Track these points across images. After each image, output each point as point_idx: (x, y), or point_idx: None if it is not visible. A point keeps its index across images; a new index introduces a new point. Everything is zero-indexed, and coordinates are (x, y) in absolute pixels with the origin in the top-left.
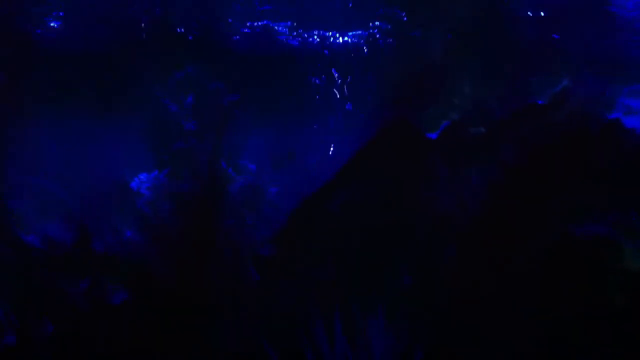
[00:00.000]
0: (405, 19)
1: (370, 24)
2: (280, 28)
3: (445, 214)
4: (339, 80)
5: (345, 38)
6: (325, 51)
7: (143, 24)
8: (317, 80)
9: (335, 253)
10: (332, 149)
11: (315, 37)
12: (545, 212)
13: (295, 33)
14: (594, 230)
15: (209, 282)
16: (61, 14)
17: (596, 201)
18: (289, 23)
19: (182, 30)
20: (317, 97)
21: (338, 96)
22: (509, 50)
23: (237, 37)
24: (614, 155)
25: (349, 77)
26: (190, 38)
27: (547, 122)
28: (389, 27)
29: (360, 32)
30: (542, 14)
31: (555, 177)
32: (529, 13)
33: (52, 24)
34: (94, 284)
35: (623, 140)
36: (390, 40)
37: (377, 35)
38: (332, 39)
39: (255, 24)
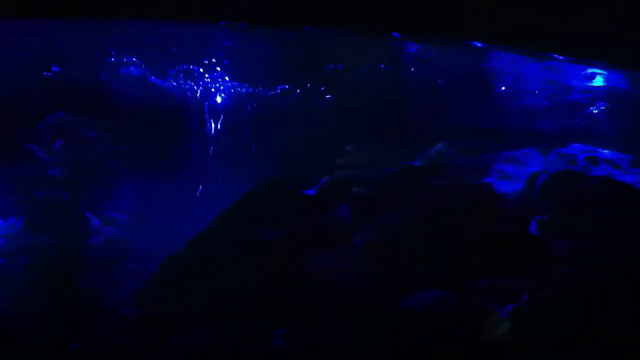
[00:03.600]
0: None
1: (252, 82)
2: (158, 79)
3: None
4: (218, 134)
5: (225, 94)
6: (205, 103)
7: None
8: (194, 133)
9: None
10: (206, 201)
11: (196, 89)
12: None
13: (175, 84)
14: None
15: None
16: None
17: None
18: (169, 73)
19: (57, 73)
20: (193, 149)
21: (215, 149)
22: (393, 118)
23: (114, 84)
24: (486, 220)
25: (230, 131)
26: (63, 82)
27: (426, 184)
28: (272, 87)
29: (243, 89)
30: (426, 85)
31: (427, 243)
32: (417, 84)
33: None
34: None
35: (495, 204)
36: (273, 98)
37: (261, 93)
38: (212, 92)
39: (133, 73)
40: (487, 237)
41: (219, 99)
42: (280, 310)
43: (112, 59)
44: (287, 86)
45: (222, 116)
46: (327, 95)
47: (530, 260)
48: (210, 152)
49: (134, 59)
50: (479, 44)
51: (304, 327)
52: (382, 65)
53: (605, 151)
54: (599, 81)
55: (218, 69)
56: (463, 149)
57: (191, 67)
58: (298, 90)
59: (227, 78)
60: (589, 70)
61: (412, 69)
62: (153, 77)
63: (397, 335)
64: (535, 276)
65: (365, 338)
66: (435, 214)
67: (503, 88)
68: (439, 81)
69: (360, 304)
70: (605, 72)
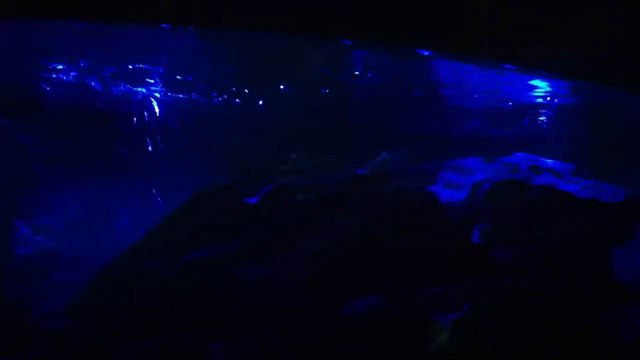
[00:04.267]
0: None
1: (193, 86)
2: (94, 82)
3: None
4: (156, 140)
5: (164, 98)
6: (144, 108)
7: None
8: (130, 138)
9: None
10: (143, 209)
11: (133, 92)
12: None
13: (112, 87)
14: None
15: None
16: None
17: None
18: (108, 80)
19: None
20: (130, 155)
21: (153, 155)
22: (338, 125)
23: (49, 87)
24: (429, 228)
25: (168, 137)
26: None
27: (370, 192)
28: (213, 91)
29: (183, 94)
30: (372, 92)
31: (370, 251)
32: (362, 91)
33: None
34: None
35: (438, 212)
36: (215, 103)
37: (200, 99)
38: (151, 96)
39: (69, 76)
40: (429, 245)
41: (156, 104)
42: (218, 321)
43: (46, 61)
44: (230, 90)
45: (160, 121)
46: (271, 101)
47: (472, 268)
48: (148, 158)
49: (69, 61)
50: (425, 52)
51: (240, 338)
52: (330, 73)
53: (548, 160)
54: (542, 90)
55: (157, 72)
56: (408, 156)
57: (129, 68)
58: (240, 96)
59: (166, 81)
60: (532, 82)
61: (358, 76)
62: (89, 80)
63: (335, 344)
64: (477, 285)
65: (302, 347)
66: (379, 221)
67: (448, 96)
68: (385, 89)
69: (300, 312)
70: (548, 82)
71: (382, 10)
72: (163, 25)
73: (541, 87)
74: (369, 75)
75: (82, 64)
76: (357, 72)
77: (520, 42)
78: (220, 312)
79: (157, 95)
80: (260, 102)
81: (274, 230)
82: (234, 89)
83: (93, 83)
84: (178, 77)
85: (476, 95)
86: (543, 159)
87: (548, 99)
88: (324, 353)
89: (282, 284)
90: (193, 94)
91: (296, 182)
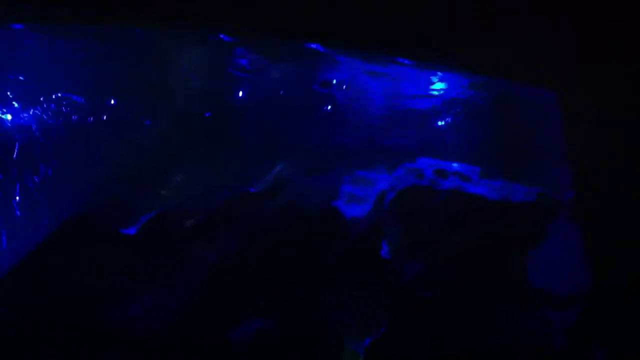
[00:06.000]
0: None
1: (59, 100)
2: None
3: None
4: (19, 163)
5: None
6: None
7: None
8: None
9: None
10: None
11: None
12: None
13: None
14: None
15: None
16: None
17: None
18: None
19: None
20: None
21: (16, 179)
22: (225, 139)
23: None
24: (332, 247)
25: (33, 159)
26: None
27: (265, 210)
28: (84, 103)
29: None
30: (262, 101)
31: (267, 272)
32: (251, 100)
33: None
34: None
35: (342, 229)
36: (84, 117)
37: (66, 110)
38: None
39: None
40: (333, 264)
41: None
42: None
43: None
44: (101, 101)
45: (22, 142)
46: (148, 114)
47: (382, 284)
48: (11, 186)
49: None
50: (320, 48)
51: None
52: (215, 82)
53: (454, 164)
54: (443, 92)
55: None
56: (305, 170)
57: None
58: (106, 110)
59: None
60: (433, 84)
61: (245, 83)
62: None
63: None
64: (389, 305)
65: None
66: (275, 241)
67: (343, 102)
68: (274, 97)
69: (189, 340)
70: (446, 84)
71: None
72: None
73: (441, 87)
74: (257, 81)
75: None
76: (243, 75)
77: (421, 34)
78: (108, 346)
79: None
80: (131, 117)
81: (155, 262)
82: (105, 97)
83: None
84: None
85: (376, 101)
86: (448, 163)
87: (450, 101)
88: None
89: (159, 320)
90: (60, 105)
91: (181, 207)
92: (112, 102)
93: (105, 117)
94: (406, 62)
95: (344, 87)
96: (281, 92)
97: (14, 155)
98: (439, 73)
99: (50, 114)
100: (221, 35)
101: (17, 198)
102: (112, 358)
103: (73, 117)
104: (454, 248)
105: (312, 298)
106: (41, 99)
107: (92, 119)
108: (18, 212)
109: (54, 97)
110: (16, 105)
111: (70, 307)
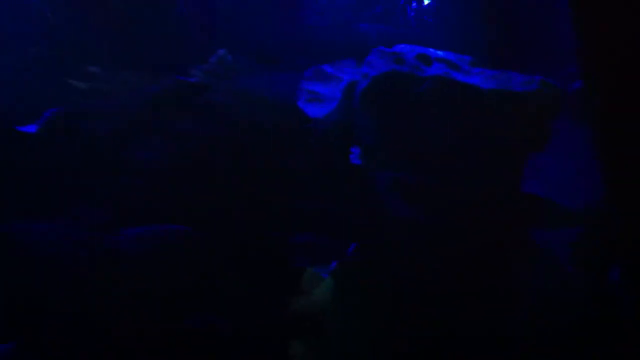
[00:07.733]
0: None
1: None
2: None
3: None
4: None
5: None
6: None
7: None
8: None
9: None
10: None
11: None
12: None
13: None
14: None
15: None
16: None
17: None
18: None
19: None
20: None
21: None
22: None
23: None
24: (291, 154)
25: None
26: None
27: (204, 107)
28: None
29: None
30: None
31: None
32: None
33: None
34: None
35: (302, 134)
36: None
37: None
38: None
39: None
40: (293, 177)
41: None
42: None
43: None
44: None
45: None
46: None
47: (351, 202)
48: None
49: None
50: None
51: None
52: None
53: (439, 51)
54: None
55: None
56: (255, 58)
57: None
58: None
59: None
60: None
61: None
62: None
63: None
64: (359, 220)
65: None
66: (221, 148)
67: None
68: None
69: None
70: None
71: None
72: None
73: None
74: None
75: None
76: None
77: None
78: None
79: None
80: None
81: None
82: None
83: None
84: None
85: None
86: (433, 49)
87: None
88: None
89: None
90: None
91: (95, 106)
92: None
93: None
94: None
95: None
96: None
97: None
98: None
99: None
100: None
101: None
102: None
103: None
104: (441, 152)
105: (268, 219)
106: None
107: None
108: None
109: None
110: None
111: None
